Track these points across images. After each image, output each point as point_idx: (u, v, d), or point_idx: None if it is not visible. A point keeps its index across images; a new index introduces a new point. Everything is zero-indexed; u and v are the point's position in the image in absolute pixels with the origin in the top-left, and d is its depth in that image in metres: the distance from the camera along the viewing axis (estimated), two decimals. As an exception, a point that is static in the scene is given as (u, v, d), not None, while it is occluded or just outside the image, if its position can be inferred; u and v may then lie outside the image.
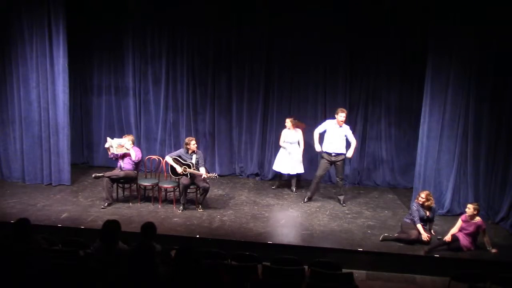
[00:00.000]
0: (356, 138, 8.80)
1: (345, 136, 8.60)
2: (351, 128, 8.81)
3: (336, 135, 8.55)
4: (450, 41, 7.98)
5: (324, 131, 8.69)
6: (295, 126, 9.27)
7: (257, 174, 10.32)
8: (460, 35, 7.91)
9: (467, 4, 7.79)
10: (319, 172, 8.73)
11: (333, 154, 8.57)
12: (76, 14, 9.75)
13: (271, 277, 5.45)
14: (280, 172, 9.58)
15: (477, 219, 6.98)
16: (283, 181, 9.77)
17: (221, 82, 10.20)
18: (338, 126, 8.56)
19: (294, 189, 9.45)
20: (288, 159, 9.30)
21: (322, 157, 8.70)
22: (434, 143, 8.28)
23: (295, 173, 9.40)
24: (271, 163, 10.16)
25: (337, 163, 8.63)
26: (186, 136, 9.40)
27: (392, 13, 9.26)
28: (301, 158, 9.41)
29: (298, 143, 9.33)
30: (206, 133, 10.43)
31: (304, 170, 9.51)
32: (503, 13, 7.63)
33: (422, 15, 8.69)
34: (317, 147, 8.72)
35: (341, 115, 8.49)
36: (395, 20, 9.33)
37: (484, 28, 7.78)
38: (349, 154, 8.66)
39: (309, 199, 8.84)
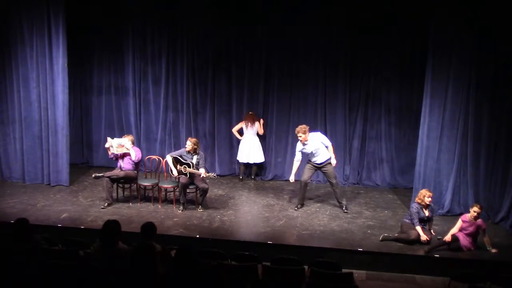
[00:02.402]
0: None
1: (322, 142, 8.25)
2: (322, 132, 8.58)
3: (312, 149, 8.20)
4: (450, 41, 7.97)
5: (303, 153, 8.32)
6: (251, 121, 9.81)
7: (257, 174, 10.31)
8: (460, 35, 7.91)
9: (467, 4, 7.79)
10: (304, 177, 8.38)
11: (320, 165, 8.31)
12: (75, 14, 9.73)
13: (271, 277, 5.44)
14: (243, 163, 10.06)
15: (478, 219, 6.98)
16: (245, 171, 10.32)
17: (221, 82, 10.20)
18: (302, 144, 8.21)
19: (254, 177, 10.10)
20: (251, 149, 9.83)
21: (308, 162, 8.41)
22: (434, 143, 8.26)
23: (255, 162, 9.93)
24: (271, 163, 10.20)
25: (324, 169, 8.35)
26: (186, 136, 9.42)
27: (392, 13, 9.25)
28: (260, 147, 9.93)
29: (257, 134, 9.91)
30: (206, 133, 10.43)
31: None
32: (503, 12, 7.63)
33: (422, 15, 8.68)
34: (291, 178, 8.43)
35: (299, 136, 8.13)
36: (395, 20, 9.33)
37: (484, 28, 7.77)
38: (333, 161, 8.29)
39: (301, 205, 8.58)
